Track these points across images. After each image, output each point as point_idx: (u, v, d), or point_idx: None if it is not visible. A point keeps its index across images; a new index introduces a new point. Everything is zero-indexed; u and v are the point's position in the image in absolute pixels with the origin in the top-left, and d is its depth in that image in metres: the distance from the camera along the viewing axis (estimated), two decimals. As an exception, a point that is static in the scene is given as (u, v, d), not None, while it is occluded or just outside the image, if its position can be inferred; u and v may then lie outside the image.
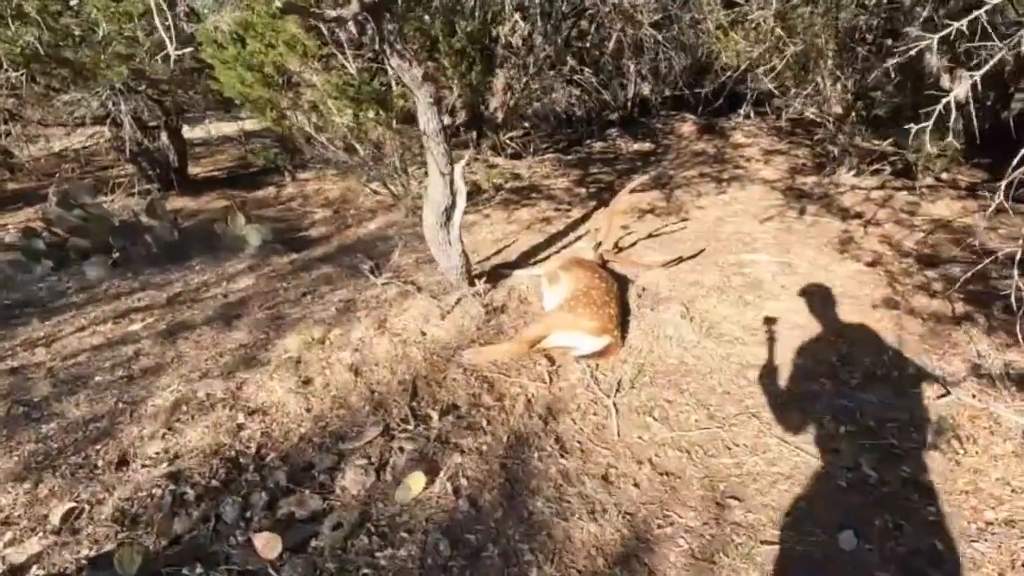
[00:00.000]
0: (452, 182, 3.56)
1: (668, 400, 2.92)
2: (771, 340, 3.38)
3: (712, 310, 3.74)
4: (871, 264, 4.31)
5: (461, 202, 3.57)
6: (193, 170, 8.37)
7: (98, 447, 2.71)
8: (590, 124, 9.20)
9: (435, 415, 2.81)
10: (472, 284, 3.92)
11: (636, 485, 2.41)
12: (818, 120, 6.97)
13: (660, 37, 6.85)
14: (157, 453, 2.66)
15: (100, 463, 2.62)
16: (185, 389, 3.08)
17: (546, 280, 3.84)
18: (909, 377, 2.98)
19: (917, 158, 5.54)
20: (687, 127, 9.50)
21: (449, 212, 3.65)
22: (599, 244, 4.38)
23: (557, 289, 3.64)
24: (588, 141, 8.90)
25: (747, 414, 2.79)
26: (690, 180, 6.83)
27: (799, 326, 3.51)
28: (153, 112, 6.42)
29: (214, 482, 2.46)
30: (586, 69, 7.52)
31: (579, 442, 2.65)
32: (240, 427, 2.79)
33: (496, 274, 4.32)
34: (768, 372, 3.10)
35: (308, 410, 2.90)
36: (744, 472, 2.45)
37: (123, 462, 2.62)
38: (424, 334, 3.52)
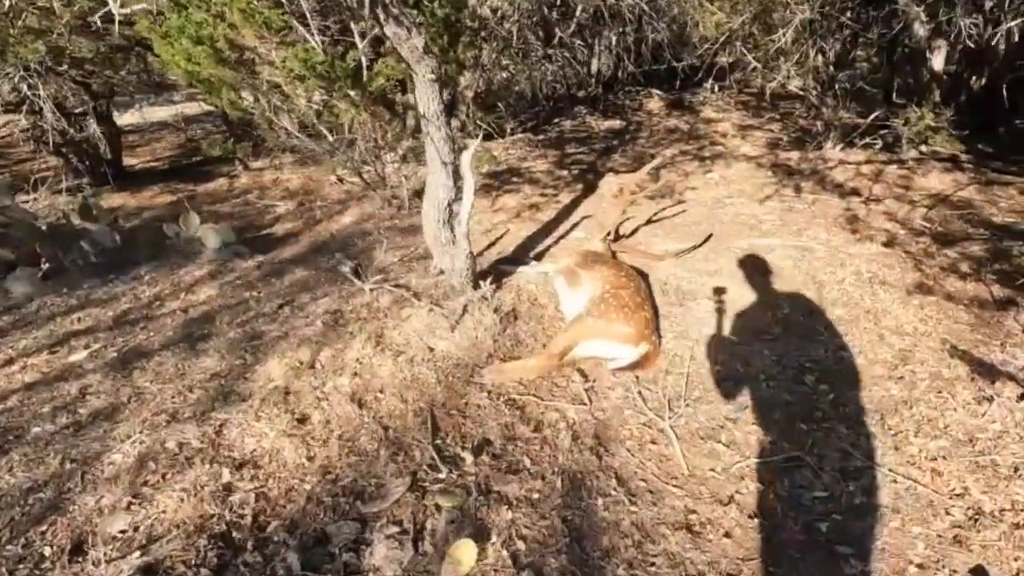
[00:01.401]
0: (456, 172, 2.99)
1: (729, 419, 2.50)
2: (822, 338, 3.02)
3: (743, 304, 3.35)
4: (888, 245, 4.01)
5: (469, 196, 3.00)
6: (129, 161, 7.36)
7: (43, 528, 2.05)
8: (560, 102, 8.67)
9: (467, 456, 2.29)
10: (477, 287, 3.37)
11: (727, 535, 1.97)
12: (799, 93, 6.69)
13: (645, 6, 6.34)
14: (123, 532, 2.04)
15: (48, 552, 1.97)
16: (150, 439, 2.44)
17: (564, 281, 3.33)
18: (985, 372, 2.66)
19: (912, 130, 5.29)
20: (655, 103, 9.09)
21: (453, 207, 3.08)
22: (608, 235, 3.90)
23: (580, 291, 3.15)
24: (558, 120, 8.38)
25: (823, 429, 2.40)
26: (673, 159, 6.43)
27: (844, 320, 3.16)
28: (79, 96, 5.46)
29: (204, 572, 1.88)
30: (561, 44, 6.96)
31: (644, 480, 2.20)
32: (228, 488, 2.19)
33: (497, 272, 3.78)
34: (832, 377, 2.72)
35: (310, 458, 2.32)
36: (843, 507, 2.06)
37: (78, 549, 1.98)
38: (432, 350, 2.97)
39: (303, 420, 2.52)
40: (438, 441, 2.39)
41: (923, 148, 5.81)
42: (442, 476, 2.19)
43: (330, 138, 4.27)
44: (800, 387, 2.67)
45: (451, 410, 2.58)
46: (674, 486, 2.16)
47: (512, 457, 2.31)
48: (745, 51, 6.02)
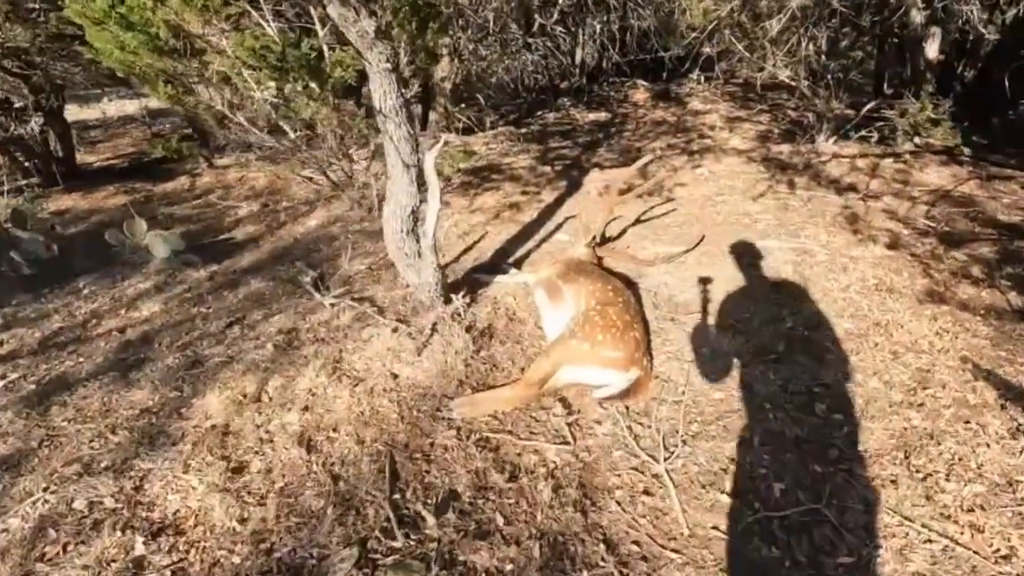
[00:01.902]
0: (420, 176, 2.59)
1: (732, 459, 2.16)
2: (831, 356, 2.68)
3: (743, 316, 3.00)
4: (892, 246, 3.68)
5: (435, 202, 2.61)
6: (87, 159, 6.85)
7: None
8: (542, 94, 8.25)
9: (429, 516, 1.92)
10: (448, 301, 2.99)
11: (738, 617, 1.63)
12: (788, 84, 6.34)
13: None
14: (4, 626, 1.66)
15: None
16: (56, 497, 2.04)
17: (544, 293, 2.96)
18: (1016, 399, 2.34)
19: (910, 122, 4.96)
20: (640, 94, 8.71)
21: (418, 215, 2.69)
22: (594, 240, 3.53)
23: (562, 307, 2.78)
24: (540, 112, 7.97)
25: (840, 473, 2.06)
26: (660, 154, 6.07)
27: (853, 335, 2.82)
28: (18, 90, 4.96)
29: None
30: (543, 32, 6.55)
31: (637, 544, 1.84)
32: (139, 564, 1.80)
33: (472, 282, 3.40)
34: (845, 404, 2.38)
35: (243, 521, 1.94)
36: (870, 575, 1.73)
37: (-55, 651, 1.60)
38: (395, 377, 2.59)
39: (240, 469, 2.13)
40: (396, 496, 2.01)
41: (916, 141, 5.50)
42: (398, 544, 1.82)
43: (291, 135, 3.84)
44: (811, 418, 2.32)
45: (414, 453, 2.20)
46: (672, 550, 1.81)
47: (482, 514, 1.94)
48: (734, 40, 5.67)
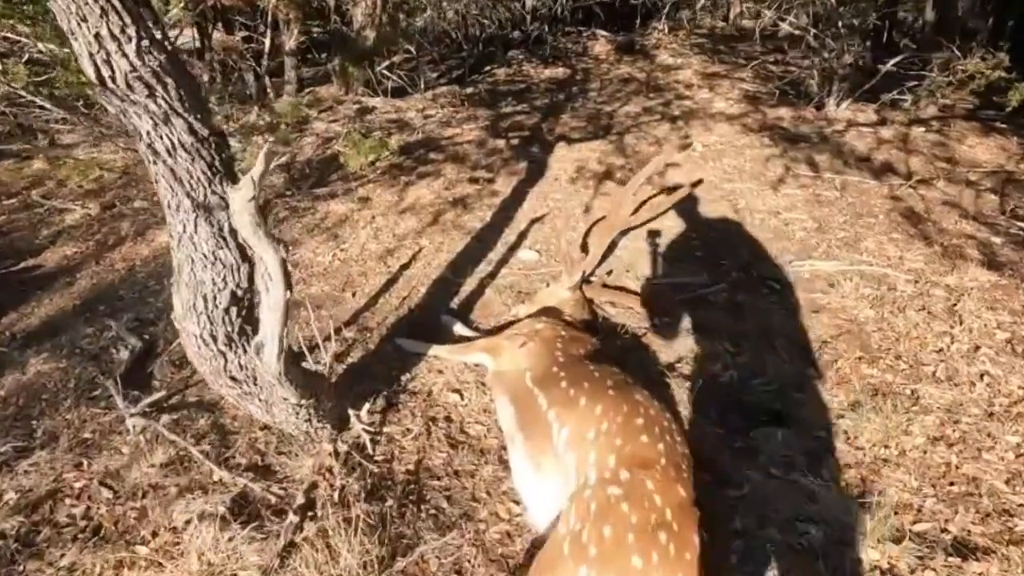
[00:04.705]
0: (237, 236, 1.09)
1: None
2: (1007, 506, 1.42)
3: (822, 424, 1.70)
4: (991, 266, 2.42)
5: (278, 291, 1.12)
6: None
7: None
8: (490, 45, 6.53)
9: None
10: (341, 424, 1.55)
11: None
12: (760, 34, 4.93)
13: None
14: None
15: None
16: None
17: (510, 409, 1.53)
18: None
19: (956, 79, 3.66)
20: (601, 46, 7.11)
21: (244, 302, 1.20)
22: (583, 274, 2.11)
23: (545, 458, 1.37)
24: (488, 68, 6.28)
25: None
26: (636, 120, 4.60)
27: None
28: None
29: None
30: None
31: None
32: None
33: (390, 361, 1.96)
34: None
35: None
36: None
37: None
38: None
39: None
40: None
41: (941, 103, 4.25)
42: None
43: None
44: None
45: None
46: None
47: None
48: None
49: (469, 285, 2.50)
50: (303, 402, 1.29)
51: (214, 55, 4.15)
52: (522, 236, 2.89)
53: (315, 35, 5.46)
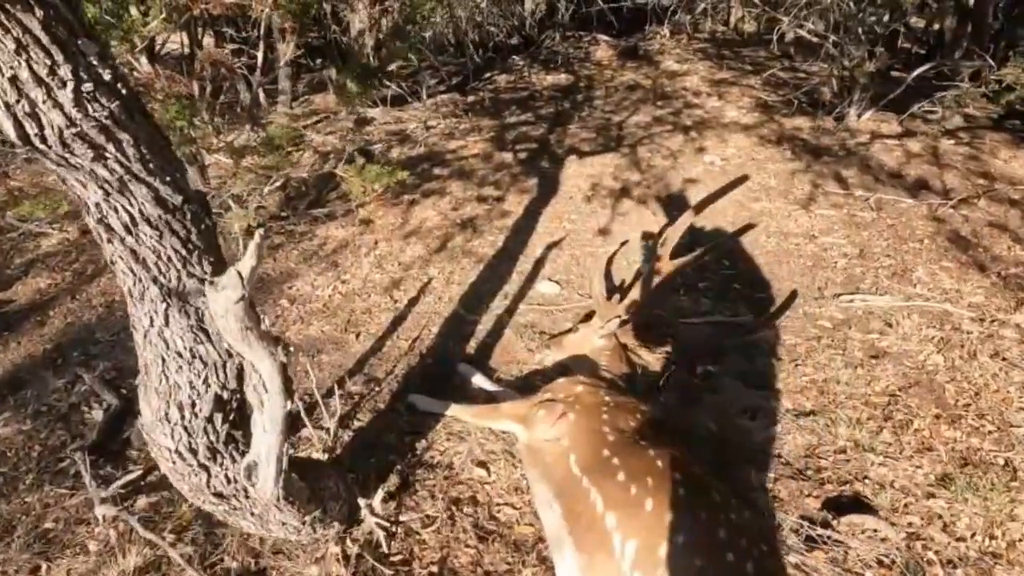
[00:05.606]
0: (222, 340, 0.83)
1: None
2: None
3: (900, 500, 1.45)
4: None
5: (276, 404, 0.86)
6: None
7: None
8: (490, 51, 6.25)
9: None
10: (351, 519, 1.29)
11: None
12: (765, 39, 4.68)
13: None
14: None
15: None
16: None
17: (548, 492, 1.26)
18: None
19: (991, 90, 3.44)
20: (603, 51, 6.84)
21: (230, 411, 0.94)
22: (621, 318, 1.85)
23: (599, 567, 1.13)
24: (489, 75, 6.01)
25: None
26: (648, 130, 4.35)
27: None
28: None
29: None
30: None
31: None
32: None
33: (400, 429, 1.70)
34: None
35: None
36: None
37: None
38: None
39: None
40: None
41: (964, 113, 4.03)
42: None
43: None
44: None
45: None
46: None
47: None
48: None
49: (485, 324, 2.23)
50: (307, 518, 1.03)
51: (203, 65, 3.85)
52: (539, 264, 2.63)
53: (311, 41, 5.17)
